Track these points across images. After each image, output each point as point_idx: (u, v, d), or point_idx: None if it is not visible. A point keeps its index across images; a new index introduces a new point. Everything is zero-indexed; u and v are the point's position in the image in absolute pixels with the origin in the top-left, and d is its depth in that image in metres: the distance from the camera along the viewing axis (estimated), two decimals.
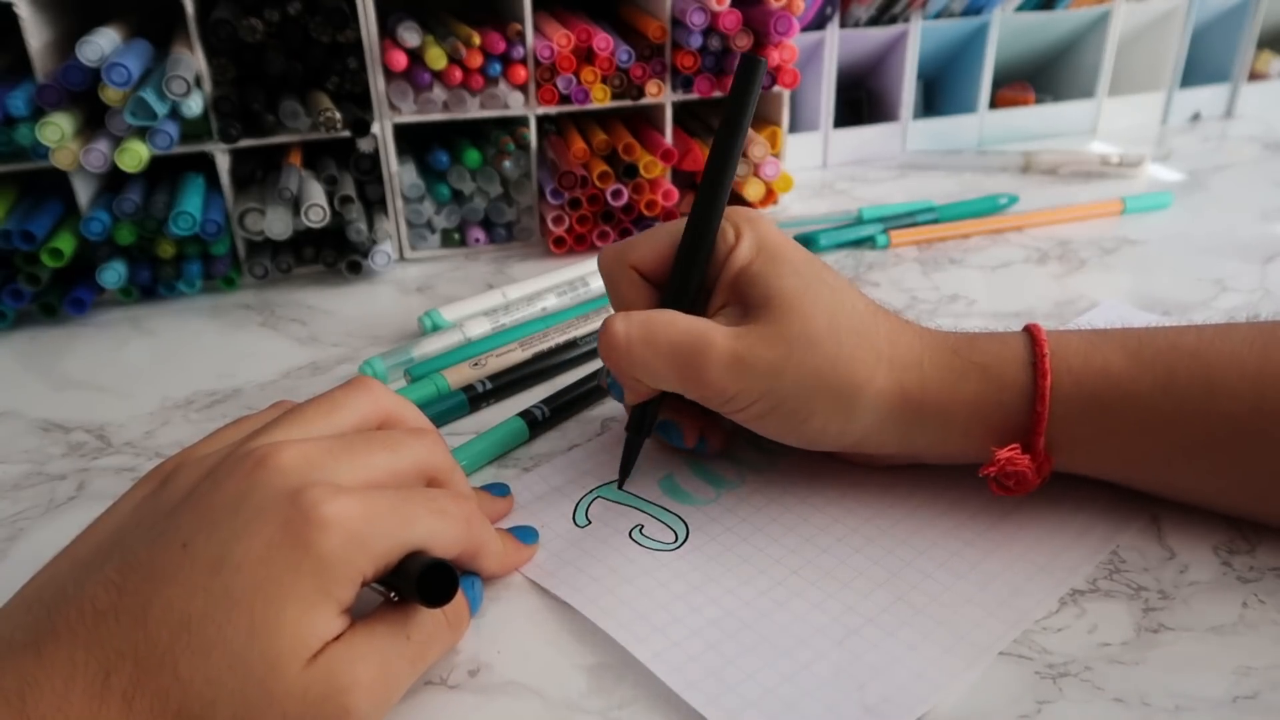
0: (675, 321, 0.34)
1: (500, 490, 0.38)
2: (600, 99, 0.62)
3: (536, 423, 0.43)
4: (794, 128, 0.77)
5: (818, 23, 0.75)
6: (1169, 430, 0.33)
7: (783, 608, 0.32)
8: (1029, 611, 0.32)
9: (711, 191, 0.36)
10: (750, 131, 0.65)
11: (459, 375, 0.47)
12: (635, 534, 0.36)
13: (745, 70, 0.36)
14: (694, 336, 0.34)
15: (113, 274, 0.55)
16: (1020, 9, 0.81)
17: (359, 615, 0.27)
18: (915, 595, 0.33)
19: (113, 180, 0.58)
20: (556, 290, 0.57)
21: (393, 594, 0.29)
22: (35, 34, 0.52)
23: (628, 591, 0.33)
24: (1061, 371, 0.34)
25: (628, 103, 0.63)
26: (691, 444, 0.39)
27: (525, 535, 0.36)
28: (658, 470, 0.40)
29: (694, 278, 0.37)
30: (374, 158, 0.60)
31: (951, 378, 0.35)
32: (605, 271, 0.39)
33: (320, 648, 0.26)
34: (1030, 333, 0.35)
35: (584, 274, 0.58)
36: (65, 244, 0.54)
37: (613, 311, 0.37)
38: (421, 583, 0.27)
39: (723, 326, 0.34)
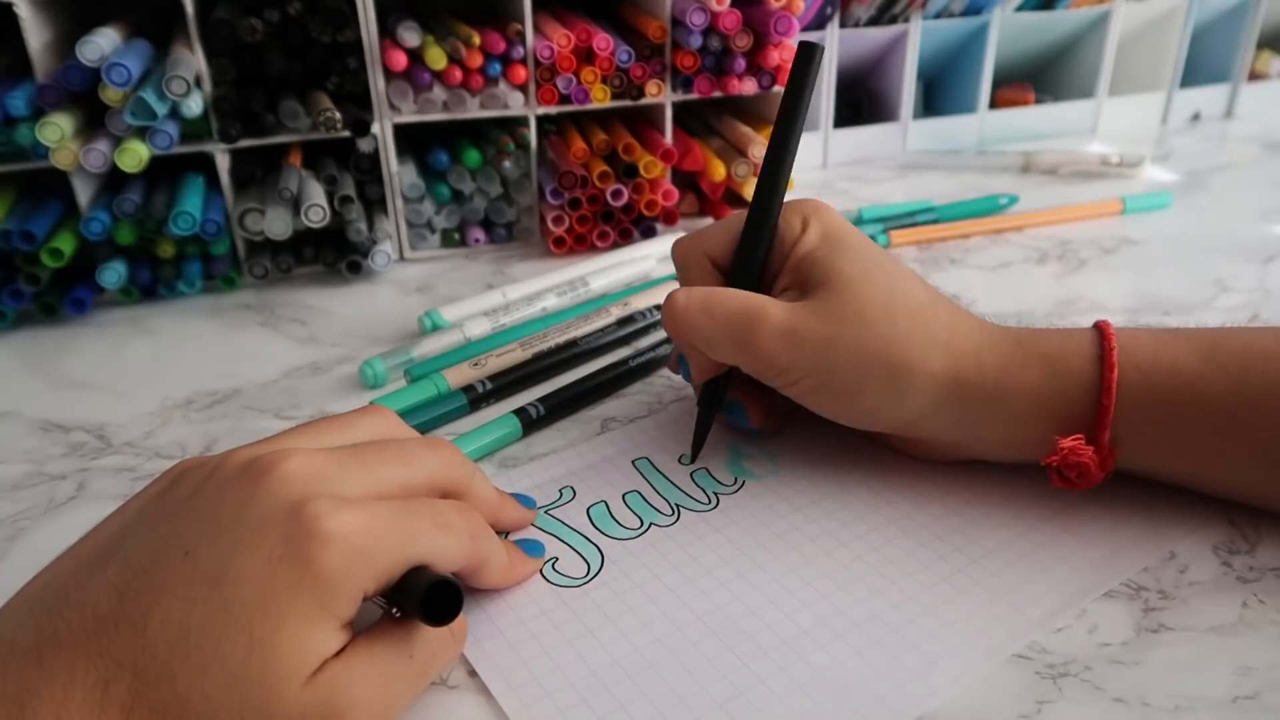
0: (734, 294, 0.36)
1: (528, 502, 0.37)
2: (600, 99, 0.62)
3: (531, 421, 0.43)
4: None
5: (818, 23, 0.75)
6: (1240, 431, 0.33)
7: (676, 659, 0.30)
8: (1027, 625, 0.32)
9: (772, 175, 0.38)
10: (750, 131, 0.65)
11: (459, 375, 0.47)
12: (545, 569, 0.35)
13: (802, 57, 0.36)
14: (750, 307, 0.35)
15: (113, 274, 0.55)
16: (1020, 9, 0.81)
17: (361, 627, 0.27)
18: (855, 636, 0.31)
19: (113, 180, 0.58)
20: (556, 290, 0.57)
21: (395, 610, 0.28)
22: (35, 34, 0.52)
23: (517, 634, 0.32)
24: (1129, 367, 0.34)
25: (628, 103, 0.63)
26: (757, 424, 0.40)
27: (532, 548, 0.35)
28: (591, 497, 0.39)
29: (756, 259, 0.38)
30: (374, 158, 0.60)
31: (1012, 367, 0.35)
32: (680, 258, 0.40)
33: (320, 665, 0.25)
34: (1098, 328, 0.35)
35: (584, 274, 0.58)
36: (65, 244, 0.54)
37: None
38: (426, 602, 0.26)
39: (780, 302, 0.36)
